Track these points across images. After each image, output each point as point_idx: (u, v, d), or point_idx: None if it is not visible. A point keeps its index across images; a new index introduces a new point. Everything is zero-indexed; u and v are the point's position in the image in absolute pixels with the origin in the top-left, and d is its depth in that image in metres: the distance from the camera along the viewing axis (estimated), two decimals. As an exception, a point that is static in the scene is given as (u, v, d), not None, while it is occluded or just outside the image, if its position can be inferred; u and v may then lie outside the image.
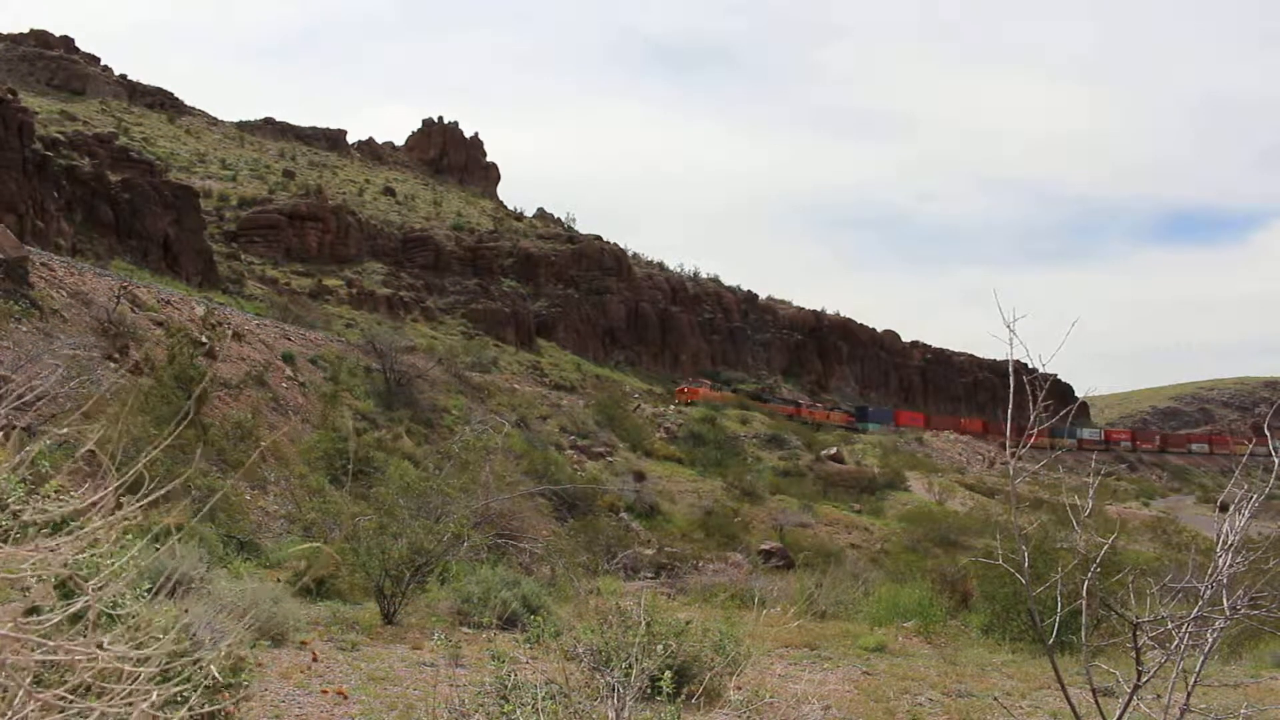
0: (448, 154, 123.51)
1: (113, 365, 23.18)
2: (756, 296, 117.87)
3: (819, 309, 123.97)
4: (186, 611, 4.29)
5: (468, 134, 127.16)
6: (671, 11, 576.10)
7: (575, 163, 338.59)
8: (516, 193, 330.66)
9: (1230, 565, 3.91)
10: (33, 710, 2.17)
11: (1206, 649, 4.04)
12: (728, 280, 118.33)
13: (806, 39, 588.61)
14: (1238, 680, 11.16)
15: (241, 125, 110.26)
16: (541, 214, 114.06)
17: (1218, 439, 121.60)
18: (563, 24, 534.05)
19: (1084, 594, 4.08)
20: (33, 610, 2.32)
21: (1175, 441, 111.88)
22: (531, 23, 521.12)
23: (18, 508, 2.55)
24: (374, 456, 25.55)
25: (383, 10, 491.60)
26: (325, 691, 7.87)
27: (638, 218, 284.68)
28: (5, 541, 2.39)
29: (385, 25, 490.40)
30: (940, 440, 79.88)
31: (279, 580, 11.54)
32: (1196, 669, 3.98)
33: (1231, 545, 3.95)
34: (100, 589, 2.41)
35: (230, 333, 30.69)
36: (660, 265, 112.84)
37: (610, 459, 40.73)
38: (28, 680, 2.16)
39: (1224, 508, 4.46)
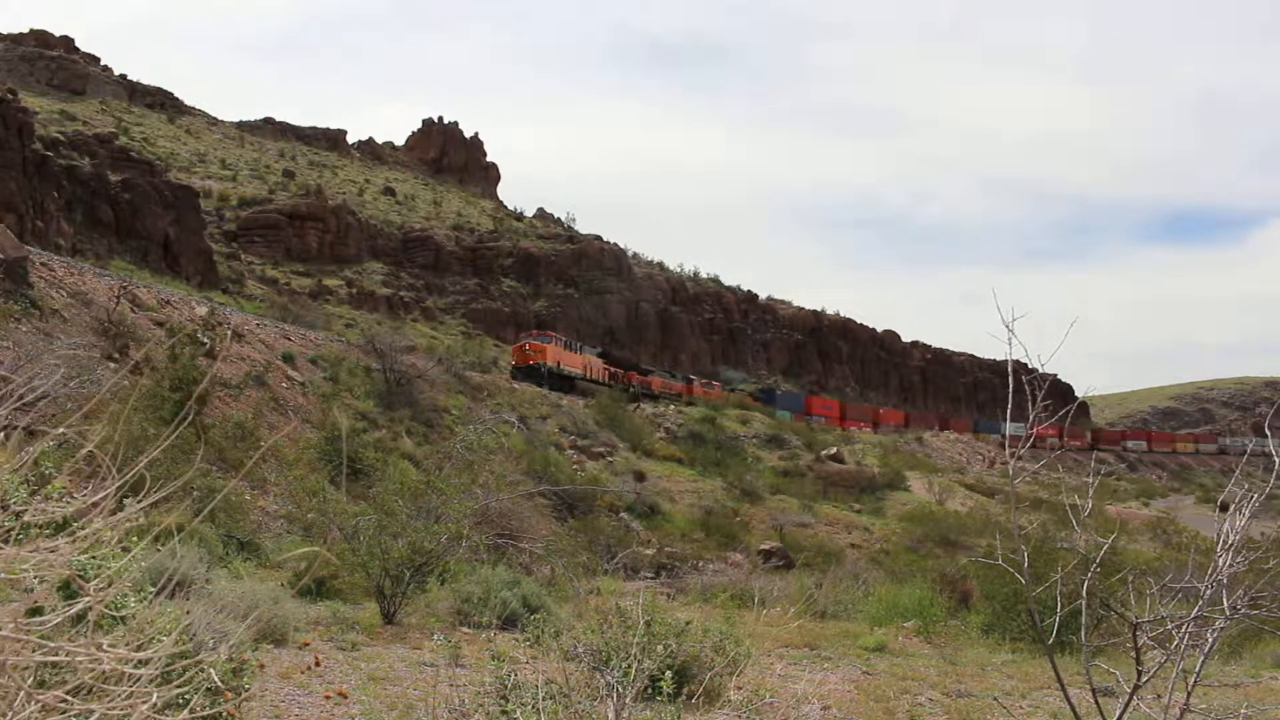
0: (448, 154, 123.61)
1: (113, 365, 23.18)
2: (756, 296, 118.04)
3: (819, 309, 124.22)
4: (188, 613, 4.29)
5: (468, 134, 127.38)
6: (671, 10, 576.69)
7: (575, 162, 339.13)
8: (516, 193, 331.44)
9: (1230, 565, 3.91)
10: (33, 711, 2.17)
11: (1206, 649, 4.04)
12: (728, 280, 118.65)
13: (806, 38, 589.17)
14: (1238, 680, 11.15)
15: (241, 125, 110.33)
16: (541, 214, 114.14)
17: (1157, 436, 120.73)
18: (563, 23, 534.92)
19: (1084, 594, 4.08)
20: (34, 611, 2.32)
21: (1109, 438, 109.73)
22: (531, 22, 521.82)
23: (19, 508, 2.55)
24: (373, 456, 25.54)
25: (383, 10, 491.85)
26: (328, 696, 7.87)
27: (638, 217, 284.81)
28: (7, 542, 2.39)
29: (385, 25, 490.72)
30: (940, 440, 79.73)
31: (282, 585, 11.54)
32: (1196, 669, 3.98)
33: (1232, 545, 3.96)
34: (102, 590, 2.42)
35: (230, 333, 30.68)
36: (660, 265, 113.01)
37: (610, 459, 40.72)
38: (29, 681, 2.16)
39: (1224, 507, 4.46)
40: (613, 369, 59.26)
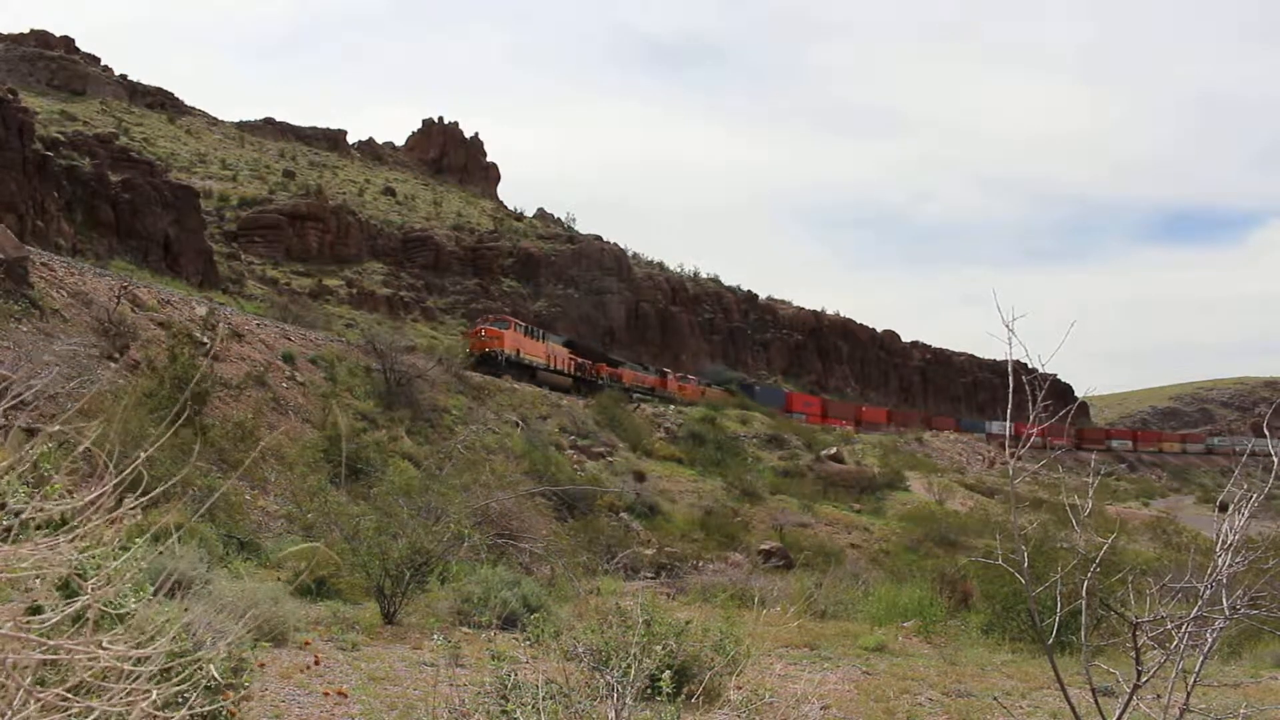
0: (448, 154, 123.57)
1: (113, 365, 23.18)
2: (756, 296, 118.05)
3: (819, 309, 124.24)
4: (187, 610, 4.29)
5: (468, 134, 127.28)
6: (670, 10, 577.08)
7: (575, 162, 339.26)
8: (516, 193, 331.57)
9: (1230, 565, 3.91)
10: (33, 710, 2.17)
11: (1206, 649, 4.04)
12: (728, 280, 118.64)
13: (805, 37, 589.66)
14: (1237, 680, 11.16)
15: (241, 125, 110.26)
16: (541, 214, 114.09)
17: (1143, 435, 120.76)
18: (563, 23, 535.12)
19: (1084, 594, 4.08)
20: (34, 610, 2.32)
21: (1093, 437, 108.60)
22: (531, 22, 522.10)
23: (18, 507, 2.55)
24: (373, 456, 25.53)
25: (382, 10, 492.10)
26: (327, 694, 7.87)
27: (638, 217, 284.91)
28: (6, 541, 2.39)
29: (385, 25, 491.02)
30: (940, 440, 79.67)
31: (279, 580, 11.54)
32: (1196, 669, 3.98)
33: (1231, 545, 3.95)
34: (101, 588, 2.42)
35: (230, 332, 30.67)
36: (660, 265, 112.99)
37: (610, 459, 40.71)
38: (28, 680, 2.16)
39: (1223, 508, 4.46)
40: (579, 359, 55.73)
